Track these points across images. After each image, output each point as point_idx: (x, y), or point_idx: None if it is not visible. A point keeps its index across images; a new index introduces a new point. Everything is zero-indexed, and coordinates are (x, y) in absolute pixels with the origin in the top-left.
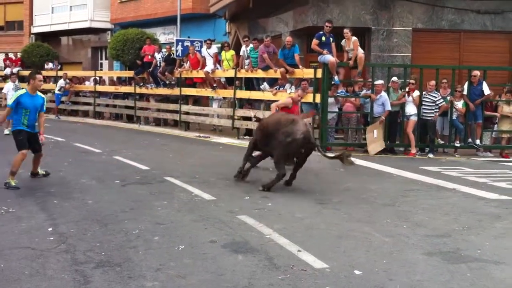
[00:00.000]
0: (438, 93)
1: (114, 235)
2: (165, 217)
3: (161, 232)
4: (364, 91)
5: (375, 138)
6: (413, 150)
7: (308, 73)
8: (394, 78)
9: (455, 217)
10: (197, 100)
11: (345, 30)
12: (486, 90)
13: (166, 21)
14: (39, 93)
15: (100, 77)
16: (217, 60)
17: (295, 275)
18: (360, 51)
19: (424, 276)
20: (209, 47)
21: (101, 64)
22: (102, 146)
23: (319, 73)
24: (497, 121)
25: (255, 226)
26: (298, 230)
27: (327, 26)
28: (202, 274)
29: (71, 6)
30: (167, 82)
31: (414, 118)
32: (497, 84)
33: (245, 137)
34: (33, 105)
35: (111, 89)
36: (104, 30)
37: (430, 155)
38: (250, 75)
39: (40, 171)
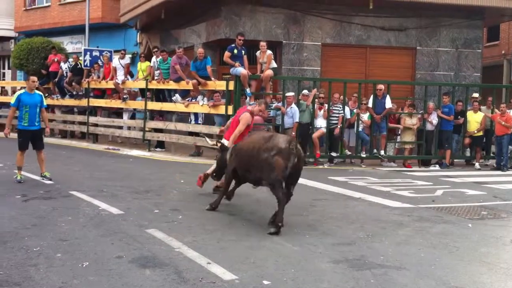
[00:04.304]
0: (340, 106)
1: (14, 253)
2: (69, 233)
3: (64, 248)
4: (275, 104)
5: None
6: (318, 151)
7: (220, 85)
8: (305, 91)
9: (361, 225)
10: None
11: (262, 43)
12: (388, 103)
13: (74, 30)
14: (36, 91)
15: (3, 87)
16: (128, 71)
17: None
18: (272, 66)
19: (330, 284)
20: (122, 58)
21: (4, 73)
22: (3, 160)
23: (231, 85)
24: (400, 132)
25: (164, 240)
26: (209, 242)
27: (239, 39)
28: None
29: None
30: (74, 92)
31: (323, 129)
32: (400, 97)
33: (156, 149)
34: (33, 102)
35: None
36: (7, 39)
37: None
38: (161, 86)
39: (47, 174)
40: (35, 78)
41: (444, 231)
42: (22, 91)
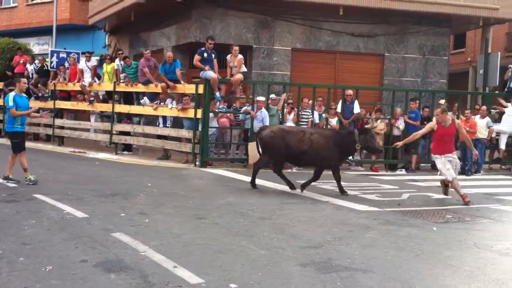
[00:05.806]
0: (309, 111)
1: None
2: (32, 236)
3: (27, 252)
4: (245, 107)
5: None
6: None
7: (189, 88)
8: (272, 95)
9: (328, 229)
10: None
11: (235, 48)
12: (357, 108)
13: (41, 31)
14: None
15: None
16: (95, 73)
17: None
18: (242, 70)
19: (298, 287)
20: (88, 60)
21: None
22: None
23: (201, 89)
24: None
25: (130, 244)
26: (175, 246)
27: (209, 43)
28: None
29: None
30: (40, 94)
31: None
32: (368, 102)
33: (123, 152)
34: (25, 104)
35: None
36: None
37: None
38: (130, 89)
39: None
40: (25, 80)
41: (410, 234)
42: (14, 93)
